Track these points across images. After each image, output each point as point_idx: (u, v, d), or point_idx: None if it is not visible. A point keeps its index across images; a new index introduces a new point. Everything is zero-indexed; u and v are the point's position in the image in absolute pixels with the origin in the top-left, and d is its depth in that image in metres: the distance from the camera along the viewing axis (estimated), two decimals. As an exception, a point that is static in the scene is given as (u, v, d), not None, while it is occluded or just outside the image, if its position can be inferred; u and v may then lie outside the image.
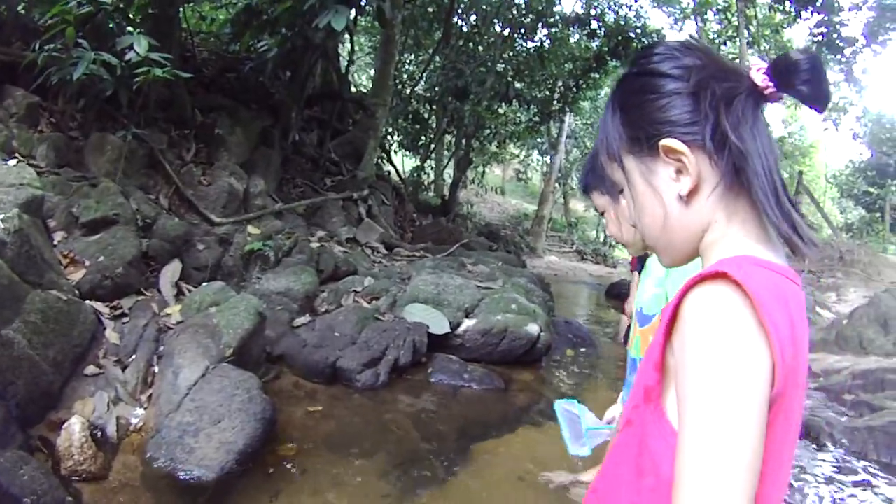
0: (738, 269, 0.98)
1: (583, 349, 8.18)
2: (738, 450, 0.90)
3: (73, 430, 3.64)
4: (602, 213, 2.49)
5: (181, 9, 8.78)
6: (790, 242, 1.09)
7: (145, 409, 4.32)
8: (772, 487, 0.97)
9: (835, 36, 18.39)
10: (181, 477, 3.73)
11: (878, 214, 30.42)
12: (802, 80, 1.05)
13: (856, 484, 4.91)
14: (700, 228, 1.14)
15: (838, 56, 19.03)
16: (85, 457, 3.60)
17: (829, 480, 4.89)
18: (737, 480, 0.90)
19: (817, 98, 1.06)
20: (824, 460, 5.26)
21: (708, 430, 0.92)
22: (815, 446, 5.55)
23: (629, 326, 3.00)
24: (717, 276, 0.98)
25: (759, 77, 1.09)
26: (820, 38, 18.91)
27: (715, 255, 1.11)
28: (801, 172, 20.56)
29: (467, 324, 6.85)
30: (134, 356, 4.67)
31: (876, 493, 4.84)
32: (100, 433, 3.96)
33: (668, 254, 1.22)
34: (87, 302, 4.80)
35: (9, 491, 3.06)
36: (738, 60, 21.30)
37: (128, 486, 3.68)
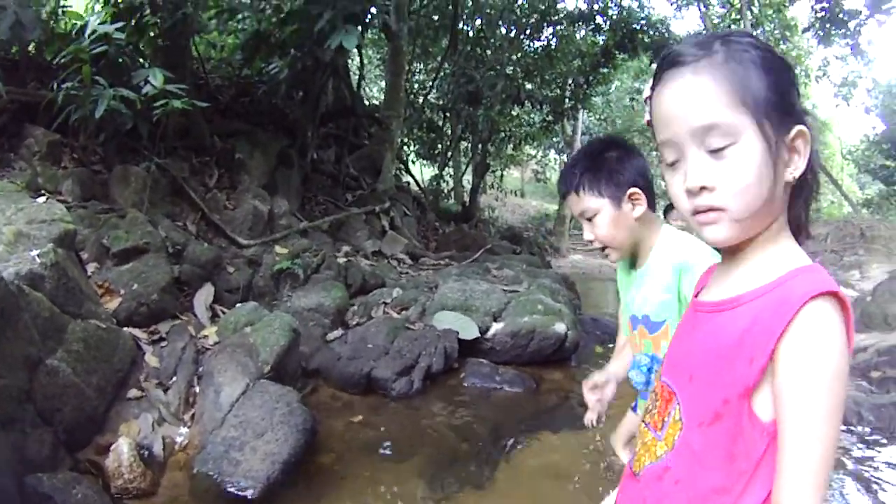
0: (836, 286, 1.14)
1: (611, 345, 8.14)
2: (835, 433, 1.15)
3: (122, 451, 3.75)
4: (583, 217, 2.47)
5: (191, 38, 8.92)
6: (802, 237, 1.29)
7: (189, 427, 4.42)
8: None
9: (837, 10, 18.25)
10: (228, 489, 3.82)
11: (895, 188, 30.20)
12: None
13: (884, 462, 4.90)
14: (777, 214, 1.25)
15: (842, 30, 18.87)
16: (134, 475, 3.70)
17: (856, 458, 4.88)
18: (830, 455, 1.15)
19: None
20: (851, 438, 5.25)
21: (819, 420, 1.13)
22: (841, 424, 5.52)
23: None
24: (827, 294, 1.13)
25: None
26: (822, 13, 18.79)
27: (766, 252, 1.25)
28: (815, 151, 20.33)
29: (496, 327, 6.90)
30: (174, 378, 4.78)
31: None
32: (146, 453, 4.06)
33: (743, 228, 1.22)
34: (125, 329, 4.92)
35: (64, 508, 3.17)
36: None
37: (177, 500, 3.79)
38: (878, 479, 4.58)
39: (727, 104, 1.18)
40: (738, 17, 21.27)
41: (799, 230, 1.28)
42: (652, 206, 2.45)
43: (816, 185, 1.24)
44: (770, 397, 1.18)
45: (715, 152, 1.19)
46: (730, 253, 1.31)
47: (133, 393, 4.49)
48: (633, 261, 2.64)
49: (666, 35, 19.94)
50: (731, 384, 1.21)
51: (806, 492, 1.13)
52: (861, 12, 18.08)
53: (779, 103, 1.19)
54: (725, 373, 1.22)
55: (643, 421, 1.52)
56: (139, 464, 3.78)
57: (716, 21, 23.70)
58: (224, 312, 5.95)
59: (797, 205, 1.26)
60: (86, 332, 4.29)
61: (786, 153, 1.20)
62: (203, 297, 6.02)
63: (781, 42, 24.70)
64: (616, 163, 2.39)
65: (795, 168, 1.21)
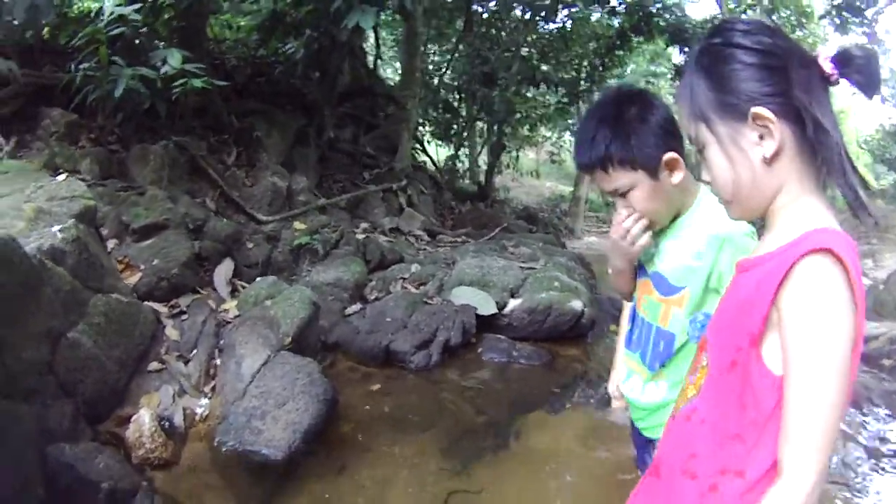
0: (839, 245, 1.20)
1: (628, 325, 8.15)
2: (838, 388, 1.19)
3: (143, 421, 3.80)
4: (615, 194, 2.16)
5: (207, 19, 8.94)
6: (855, 210, 1.33)
7: (210, 399, 4.47)
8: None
9: (854, -2, 18.11)
10: (251, 457, 3.89)
11: (912, 178, 29.98)
12: (858, 70, 1.28)
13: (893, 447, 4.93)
14: (775, 190, 1.35)
15: (859, 18, 18.69)
16: (156, 444, 3.76)
17: (867, 447, 4.87)
18: (835, 411, 1.19)
19: (868, 86, 1.28)
20: (863, 426, 5.23)
21: (819, 375, 1.19)
22: (853, 411, 5.53)
23: None
24: (825, 250, 1.20)
25: (828, 65, 1.30)
26: (839, 0, 18.63)
27: (790, 217, 1.34)
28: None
29: (513, 303, 6.91)
30: (195, 350, 4.83)
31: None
32: (167, 424, 4.11)
33: (742, 208, 1.44)
34: (146, 303, 4.98)
35: (87, 477, 3.22)
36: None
37: (199, 469, 3.85)
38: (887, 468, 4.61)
39: (688, 118, 1.45)
40: (754, 2, 21.08)
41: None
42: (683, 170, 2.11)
43: (824, 135, 1.28)
44: (778, 349, 1.26)
45: (702, 155, 1.45)
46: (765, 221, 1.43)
47: (154, 366, 4.54)
48: None
49: (682, 19, 19.80)
50: (743, 333, 1.30)
51: (806, 445, 1.19)
52: (878, 0, 17.92)
53: (718, 98, 1.37)
54: (740, 323, 1.32)
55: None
56: (160, 434, 3.83)
57: (732, 6, 23.51)
58: (244, 287, 5.99)
59: (834, 170, 1.31)
60: (107, 305, 4.34)
61: (751, 135, 1.34)
62: (223, 271, 6.07)
63: (797, 29, 24.49)
64: (642, 125, 2.04)
65: (767, 144, 1.32)
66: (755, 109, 1.30)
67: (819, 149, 1.29)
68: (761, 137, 1.32)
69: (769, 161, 1.32)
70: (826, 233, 1.24)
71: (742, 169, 1.35)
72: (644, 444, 2.40)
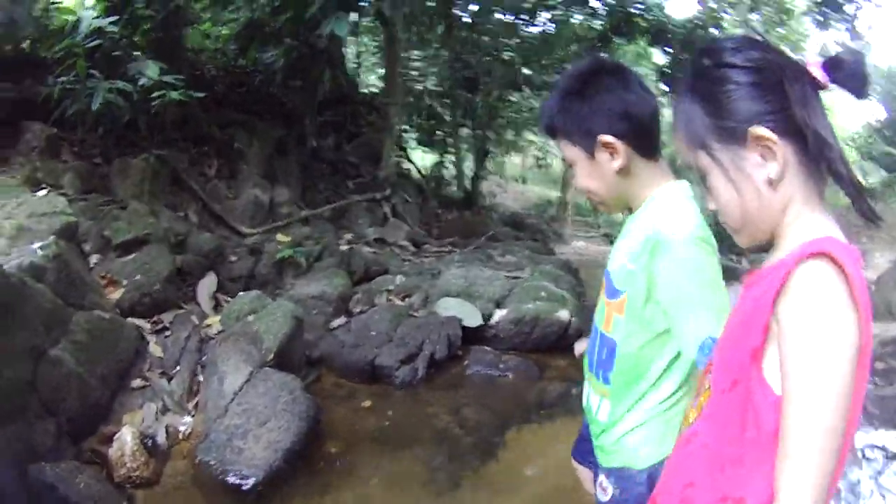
0: (837, 250, 1.14)
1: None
2: (837, 402, 1.11)
3: (125, 440, 3.79)
4: (570, 165, 2.11)
5: (185, 29, 8.91)
6: (863, 215, 1.29)
7: (193, 416, 4.45)
8: (851, 425, 1.16)
9: (835, -6, 18.20)
10: (231, 478, 3.86)
11: (898, 174, 30.17)
12: (849, 74, 1.25)
13: (887, 454, 4.91)
14: (783, 208, 1.29)
15: (841, 15, 18.82)
16: (137, 464, 3.74)
17: (859, 451, 4.87)
18: (835, 428, 1.11)
19: (860, 89, 1.26)
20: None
21: (815, 388, 1.11)
22: (849, 400, 5.49)
23: None
24: (821, 254, 1.13)
25: (818, 72, 1.26)
26: (820, -3, 18.74)
27: (795, 232, 1.28)
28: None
29: (499, 314, 6.90)
30: (178, 367, 4.80)
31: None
32: (150, 442, 4.09)
33: (751, 233, 1.37)
34: (129, 319, 4.95)
35: (68, 498, 3.21)
36: (741, 28, 21.16)
37: (180, 489, 3.83)
38: (880, 470, 4.62)
39: (686, 146, 1.41)
40: (736, 1, 21.18)
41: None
42: (649, 153, 1.98)
43: (826, 148, 1.24)
44: (779, 364, 1.19)
45: (705, 184, 1.42)
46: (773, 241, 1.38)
47: (137, 382, 4.52)
48: None
49: (664, 19, 19.90)
50: (745, 349, 1.25)
51: (800, 471, 1.11)
52: (859, -4, 18.04)
53: (715, 123, 1.33)
54: (742, 340, 1.26)
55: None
56: (142, 452, 3.81)
57: (713, 5, 23.61)
58: (227, 301, 5.97)
59: (841, 180, 1.28)
60: (89, 322, 4.31)
61: (753, 157, 1.29)
62: (206, 286, 6.05)
63: (778, 26, 24.63)
64: (589, 101, 1.94)
65: (770, 166, 1.27)
66: (754, 130, 1.26)
67: (822, 161, 1.26)
68: (763, 158, 1.28)
69: (774, 182, 1.28)
70: (825, 240, 1.19)
71: (748, 194, 1.31)
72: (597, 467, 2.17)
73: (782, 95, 1.25)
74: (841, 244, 1.19)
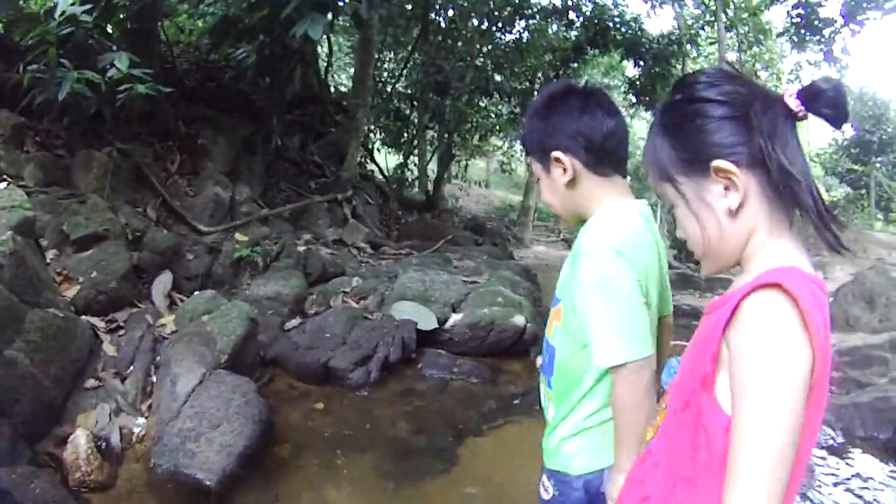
0: (790, 281, 1.15)
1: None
2: (785, 429, 1.12)
3: (79, 443, 3.78)
4: (537, 179, 2.25)
5: (159, 22, 8.86)
6: (829, 246, 1.29)
7: (146, 418, 4.45)
8: (804, 454, 1.18)
9: (813, 17, 18.39)
10: (185, 482, 3.88)
11: (862, 191, 30.71)
12: (827, 104, 1.24)
13: (842, 460, 5.07)
14: (745, 237, 1.31)
15: (817, 37, 19.06)
16: (92, 468, 3.74)
17: (817, 458, 5.01)
18: (783, 454, 1.11)
19: (838, 119, 1.25)
20: None
21: (762, 414, 1.12)
22: (798, 425, 5.58)
23: None
24: (773, 285, 1.15)
25: (794, 102, 1.26)
26: (798, 19, 18.95)
27: (759, 261, 1.29)
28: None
29: (455, 318, 6.98)
30: (132, 367, 4.80)
31: (862, 469, 4.98)
32: (104, 444, 4.08)
33: (715, 262, 1.40)
34: (83, 317, 4.95)
35: (24, 504, 3.20)
36: (716, 45, 21.35)
37: (134, 493, 3.84)
38: (837, 478, 4.76)
39: (655, 179, 1.44)
40: (713, 18, 21.38)
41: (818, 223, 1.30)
42: (601, 171, 2.07)
43: (790, 179, 1.26)
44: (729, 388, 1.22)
45: (672, 215, 1.46)
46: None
47: (91, 383, 4.52)
48: None
49: (639, 33, 20.11)
50: (697, 374, 1.29)
51: (746, 495, 1.12)
52: (836, 21, 18.27)
53: (680, 156, 1.36)
54: (696, 364, 1.31)
55: None
56: (96, 456, 3.81)
57: (689, 22, 23.83)
58: (182, 300, 5.98)
59: (808, 212, 1.28)
60: (44, 321, 4.30)
61: (716, 188, 1.31)
62: (161, 284, 6.04)
63: (755, 45, 24.92)
64: (548, 121, 2.10)
65: (733, 193, 1.29)
66: (715, 163, 1.28)
67: (785, 192, 1.26)
68: (726, 189, 1.30)
69: (735, 212, 1.30)
70: (780, 271, 1.20)
71: (709, 224, 1.34)
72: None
73: (748, 128, 1.27)
74: (801, 275, 1.21)
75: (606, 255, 1.85)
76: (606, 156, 2.06)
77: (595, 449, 1.99)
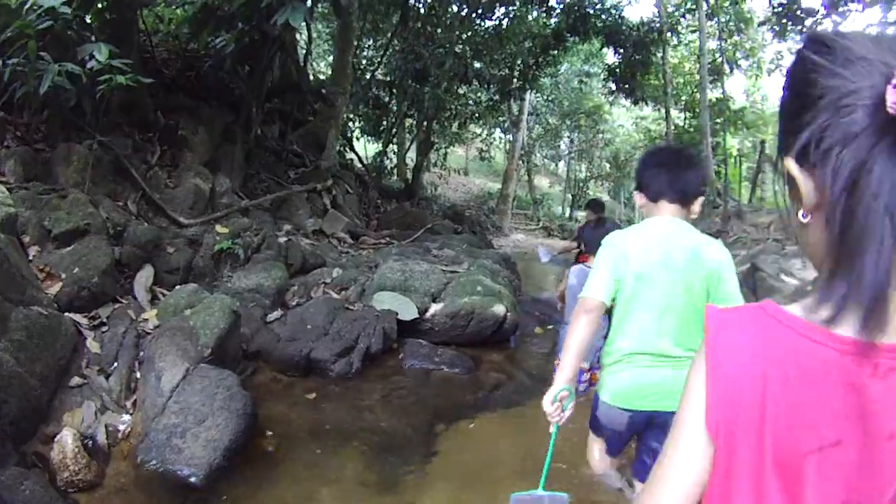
0: (728, 319, 1.01)
1: (550, 326, 8.26)
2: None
3: (66, 443, 3.77)
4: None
5: (138, 11, 8.82)
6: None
7: (132, 414, 4.46)
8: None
9: (794, 6, 18.42)
10: (172, 478, 3.91)
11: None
12: None
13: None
14: (813, 256, 1.01)
15: (798, 26, 19.10)
16: (79, 467, 3.73)
17: None
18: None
19: None
20: None
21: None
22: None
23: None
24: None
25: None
26: (780, 9, 18.99)
27: None
28: (763, 142, 20.65)
29: (435, 308, 7.06)
30: (116, 364, 4.80)
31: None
32: (91, 442, 4.08)
33: None
34: (66, 314, 4.93)
35: (14, 507, 3.20)
36: (697, 33, 21.41)
37: (122, 490, 3.85)
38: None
39: None
40: (694, 6, 21.44)
41: None
42: (654, 199, 3.02)
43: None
44: None
45: None
46: None
47: (75, 380, 4.51)
48: None
49: (619, 21, 20.16)
50: None
51: None
52: (818, 11, 18.32)
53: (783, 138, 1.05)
54: None
55: None
56: (84, 455, 3.81)
57: (670, 9, 23.91)
58: (164, 294, 6.00)
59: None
60: (28, 319, 4.29)
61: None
62: (143, 279, 6.05)
63: (736, 34, 25.06)
64: (637, 169, 3.20)
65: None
66: (785, 161, 1.02)
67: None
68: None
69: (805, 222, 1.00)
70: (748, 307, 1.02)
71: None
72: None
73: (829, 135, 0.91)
74: (772, 312, 0.97)
75: (601, 244, 3.02)
76: (650, 191, 3.06)
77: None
